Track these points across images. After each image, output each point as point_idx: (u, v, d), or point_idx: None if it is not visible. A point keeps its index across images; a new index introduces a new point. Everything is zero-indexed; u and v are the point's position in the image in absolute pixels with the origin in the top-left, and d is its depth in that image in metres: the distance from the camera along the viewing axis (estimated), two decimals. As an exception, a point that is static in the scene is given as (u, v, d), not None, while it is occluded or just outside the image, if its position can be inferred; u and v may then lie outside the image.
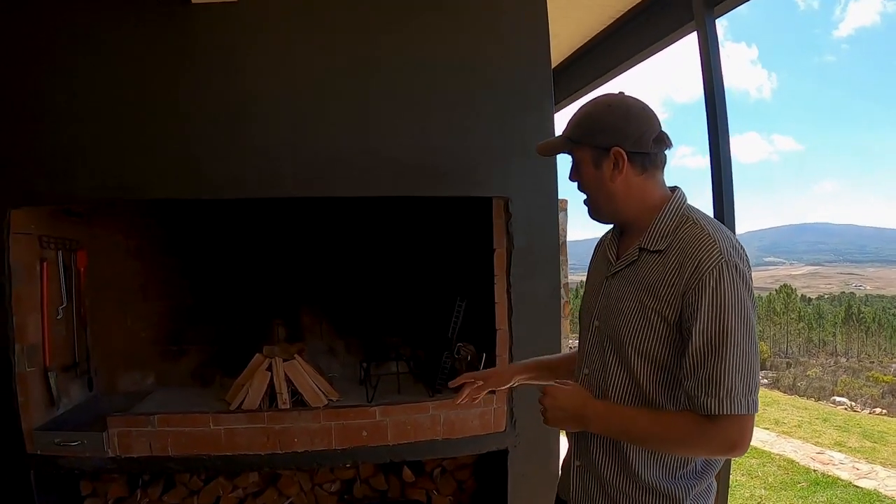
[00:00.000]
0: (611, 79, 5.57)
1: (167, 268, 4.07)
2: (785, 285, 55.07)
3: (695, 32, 4.06)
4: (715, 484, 1.75)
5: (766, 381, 21.24)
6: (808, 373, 26.12)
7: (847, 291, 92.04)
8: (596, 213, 1.77)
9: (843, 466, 7.23)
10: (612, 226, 1.86)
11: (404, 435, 3.38)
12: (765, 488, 6.34)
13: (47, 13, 3.11)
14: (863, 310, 50.77)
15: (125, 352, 3.96)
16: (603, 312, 1.75)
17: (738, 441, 1.50)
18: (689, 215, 1.65)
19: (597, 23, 5.07)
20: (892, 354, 41.45)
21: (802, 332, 46.21)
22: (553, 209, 3.65)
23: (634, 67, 5.23)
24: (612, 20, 4.95)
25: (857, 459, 7.64)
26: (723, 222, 3.93)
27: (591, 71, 5.66)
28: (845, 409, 14.66)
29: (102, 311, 3.87)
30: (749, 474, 6.77)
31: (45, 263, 3.37)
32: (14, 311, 3.12)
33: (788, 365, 30.07)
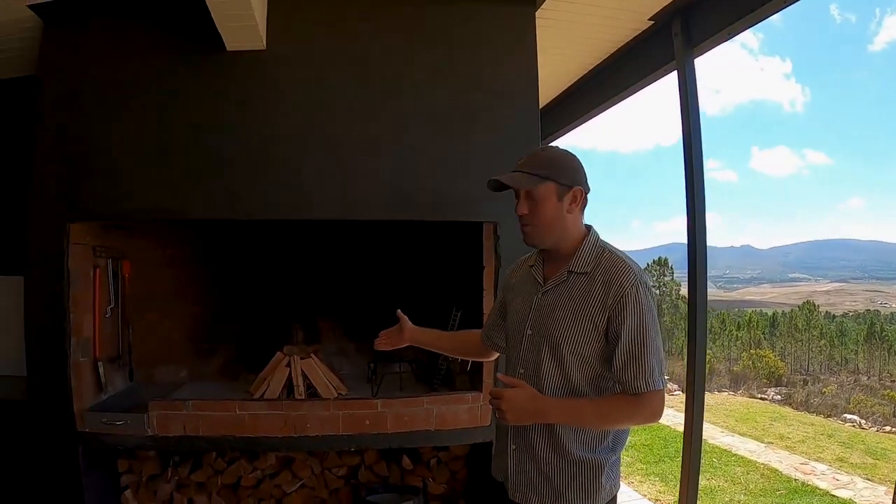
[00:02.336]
0: (593, 117, 6.05)
1: (200, 276, 4.65)
2: (807, 302, 54.24)
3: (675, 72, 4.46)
4: (620, 459, 2.25)
5: (778, 396, 21.20)
6: (825, 390, 25.99)
7: (872, 309, 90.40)
8: (538, 239, 2.19)
9: (823, 477, 7.44)
10: (532, 253, 2.34)
11: (401, 424, 3.86)
12: (745, 493, 6.64)
13: (104, 64, 3.77)
14: (886, 328, 49.95)
15: (162, 348, 4.52)
16: (536, 322, 2.19)
17: (659, 409, 2.02)
18: (604, 247, 2.15)
19: (581, 66, 5.52)
20: (914, 373, 40.63)
21: (824, 349, 45.59)
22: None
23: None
24: (597, 62, 5.38)
25: (837, 470, 7.84)
26: (695, 241, 4.34)
27: (575, 111, 6.16)
28: (853, 426, 14.65)
29: (143, 312, 4.44)
30: (732, 481, 7.06)
31: (97, 270, 3.96)
32: (71, 310, 3.70)
33: (805, 382, 29.86)
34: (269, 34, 3.74)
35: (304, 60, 3.85)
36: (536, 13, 4.10)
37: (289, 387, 3.97)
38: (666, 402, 2.06)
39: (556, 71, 5.59)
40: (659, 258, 49.27)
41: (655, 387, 1.99)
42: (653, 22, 4.55)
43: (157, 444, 3.77)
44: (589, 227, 2.22)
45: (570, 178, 2.15)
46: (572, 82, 5.94)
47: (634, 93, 5.29)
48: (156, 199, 3.73)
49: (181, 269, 4.61)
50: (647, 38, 4.76)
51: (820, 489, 6.98)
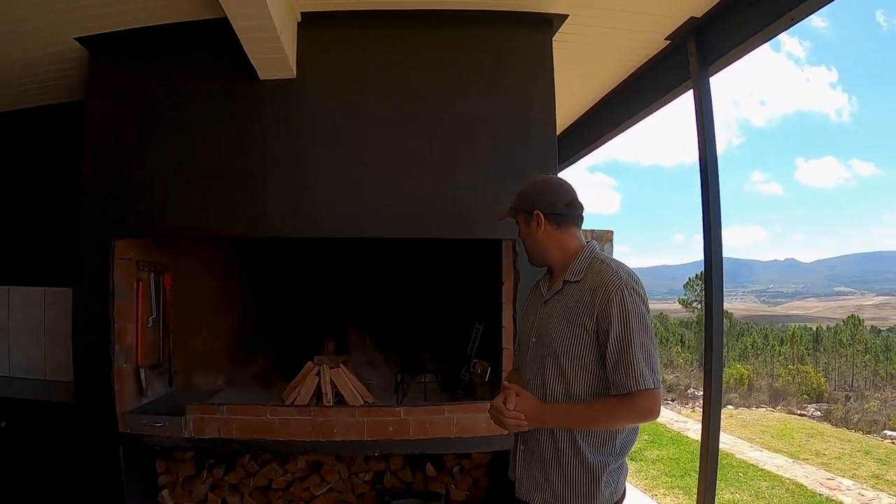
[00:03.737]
0: (612, 138, 6.20)
1: (238, 290, 4.97)
2: (852, 316, 53.01)
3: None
4: (627, 466, 2.38)
5: (818, 412, 20.90)
6: (867, 406, 25.45)
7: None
8: (530, 259, 2.49)
9: (849, 492, 7.32)
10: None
11: (423, 431, 4.05)
12: (767, 508, 6.64)
13: (147, 90, 4.13)
14: (935, 342, 48.56)
15: (200, 356, 4.80)
16: (539, 330, 2.38)
17: (650, 408, 2.14)
18: (597, 257, 2.33)
19: (601, 87, 5.67)
20: (964, 390, 39.26)
21: (868, 364, 44.46)
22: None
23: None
24: (616, 83, 5.51)
25: (864, 486, 7.68)
26: (711, 259, 4.39)
27: (596, 131, 6.33)
28: (893, 442, 14.34)
29: (184, 322, 4.74)
30: (756, 495, 7.01)
31: (140, 283, 4.26)
32: (115, 319, 4.02)
33: (847, 398, 29.24)
34: (300, 63, 4.00)
35: (331, 87, 4.12)
36: (553, 38, 4.25)
37: (318, 394, 4.18)
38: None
39: (575, 93, 5.72)
40: (701, 273, 48.44)
41: (645, 385, 2.10)
42: (669, 42, 4.61)
43: (194, 445, 4.05)
44: (588, 241, 2.41)
45: (529, 204, 2.42)
46: (593, 103, 6.07)
47: (652, 112, 5.38)
48: (195, 218, 4.03)
49: (220, 282, 4.91)
50: (664, 58, 4.83)
51: (843, 505, 6.94)
